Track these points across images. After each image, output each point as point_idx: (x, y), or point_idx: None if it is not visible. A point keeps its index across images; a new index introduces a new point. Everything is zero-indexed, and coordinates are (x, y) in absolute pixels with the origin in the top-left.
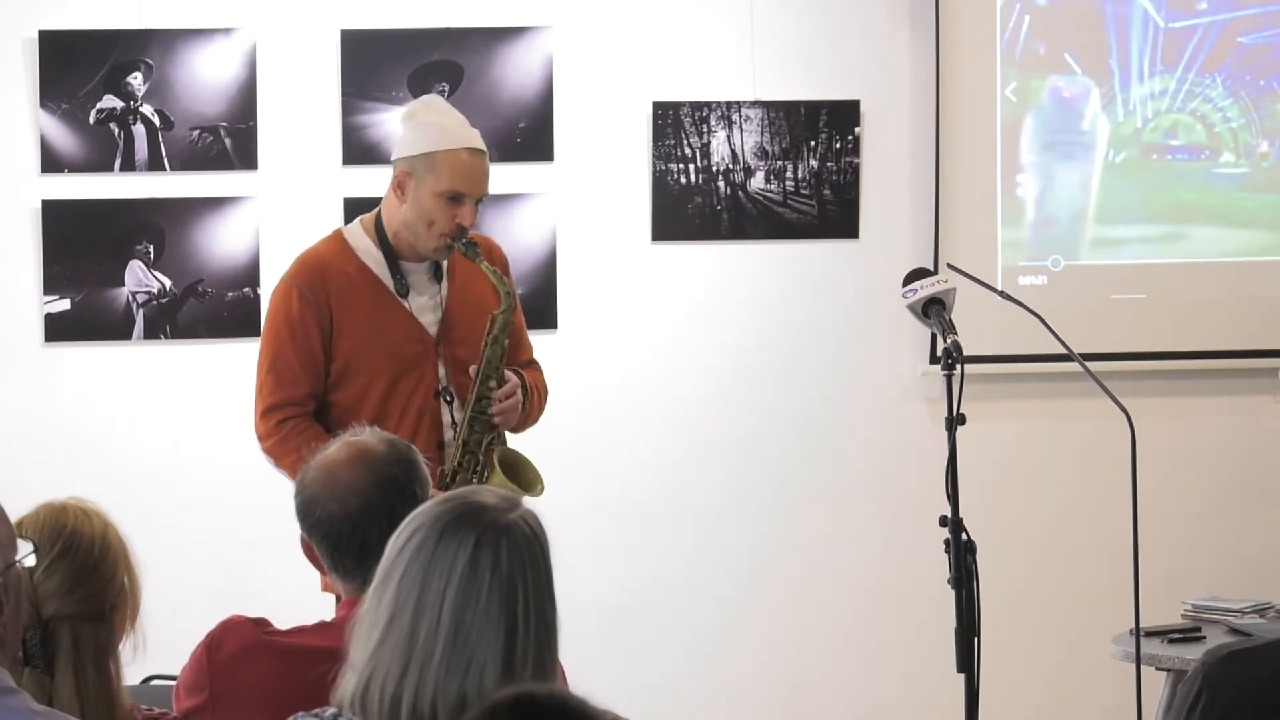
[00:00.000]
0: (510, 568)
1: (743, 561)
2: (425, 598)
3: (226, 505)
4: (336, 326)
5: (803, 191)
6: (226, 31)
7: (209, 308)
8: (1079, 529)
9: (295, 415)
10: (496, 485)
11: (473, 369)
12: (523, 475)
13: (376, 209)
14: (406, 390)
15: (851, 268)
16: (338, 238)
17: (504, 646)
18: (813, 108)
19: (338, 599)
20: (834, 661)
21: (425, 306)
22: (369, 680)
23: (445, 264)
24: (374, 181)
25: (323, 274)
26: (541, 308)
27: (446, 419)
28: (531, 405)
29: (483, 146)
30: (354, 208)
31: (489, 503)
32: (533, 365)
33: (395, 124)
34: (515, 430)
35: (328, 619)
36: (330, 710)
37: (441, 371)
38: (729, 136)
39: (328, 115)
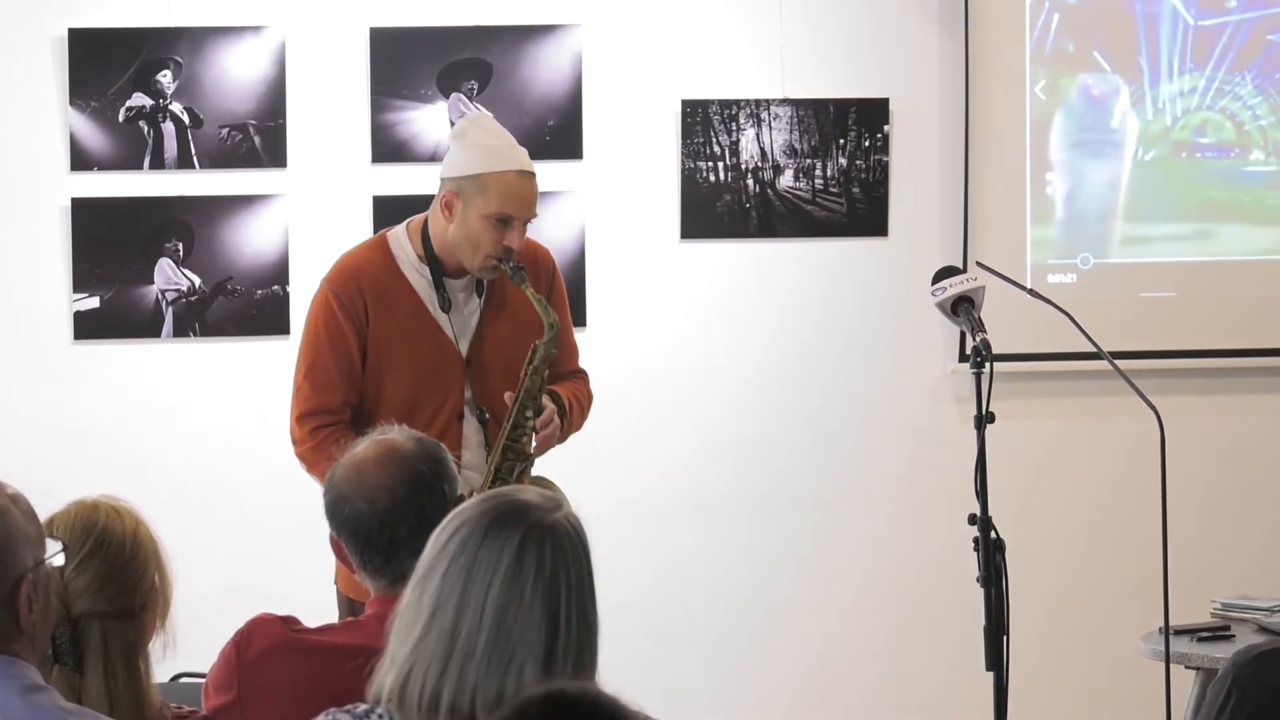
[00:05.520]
0: (554, 567)
1: (770, 559)
2: (468, 594)
3: (256, 503)
4: (372, 334)
5: (831, 189)
6: (256, 29)
7: (238, 306)
8: (1108, 527)
9: (330, 423)
10: None
11: (508, 396)
12: None
13: (423, 217)
14: (431, 407)
15: (880, 266)
16: (380, 244)
17: (545, 645)
18: (841, 106)
19: (340, 597)
20: (863, 659)
21: (461, 324)
22: (409, 674)
23: (486, 282)
24: (403, 180)
25: (359, 281)
26: (570, 305)
27: (468, 438)
28: (572, 422)
29: (532, 168)
30: (383, 205)
31: (533, 501)
32: (578, 375)
33: (424, 121)
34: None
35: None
36: (363, 706)
37: (468, 392)
38: (758, 134)
39: (357, 113)
